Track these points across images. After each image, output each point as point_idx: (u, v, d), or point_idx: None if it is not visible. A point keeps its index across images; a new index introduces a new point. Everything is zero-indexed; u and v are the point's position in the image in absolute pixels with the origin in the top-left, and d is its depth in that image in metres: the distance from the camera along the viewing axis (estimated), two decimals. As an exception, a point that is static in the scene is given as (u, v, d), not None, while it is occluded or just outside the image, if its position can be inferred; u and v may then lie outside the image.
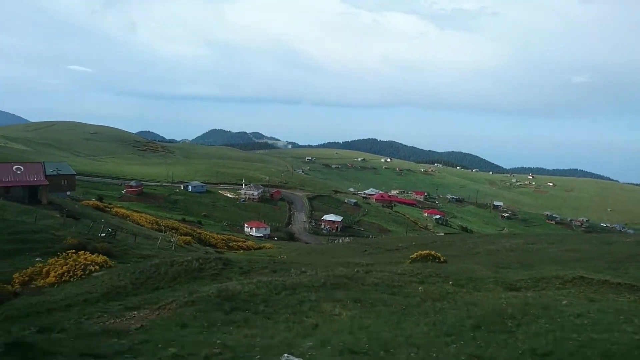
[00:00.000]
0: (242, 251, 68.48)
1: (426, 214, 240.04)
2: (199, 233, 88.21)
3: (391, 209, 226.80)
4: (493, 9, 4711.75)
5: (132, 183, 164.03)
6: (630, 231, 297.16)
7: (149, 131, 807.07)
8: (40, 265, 25.77)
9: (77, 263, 24.98)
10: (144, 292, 17.71)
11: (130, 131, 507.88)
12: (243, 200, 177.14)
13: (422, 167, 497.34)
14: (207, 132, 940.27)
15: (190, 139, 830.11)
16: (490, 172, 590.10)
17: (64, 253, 27.21)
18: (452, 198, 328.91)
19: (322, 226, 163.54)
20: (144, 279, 19.39)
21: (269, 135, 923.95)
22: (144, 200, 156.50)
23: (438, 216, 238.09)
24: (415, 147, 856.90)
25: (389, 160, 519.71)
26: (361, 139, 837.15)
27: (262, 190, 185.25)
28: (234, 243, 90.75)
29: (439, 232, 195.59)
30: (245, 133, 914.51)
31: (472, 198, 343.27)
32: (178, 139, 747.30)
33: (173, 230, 78.64)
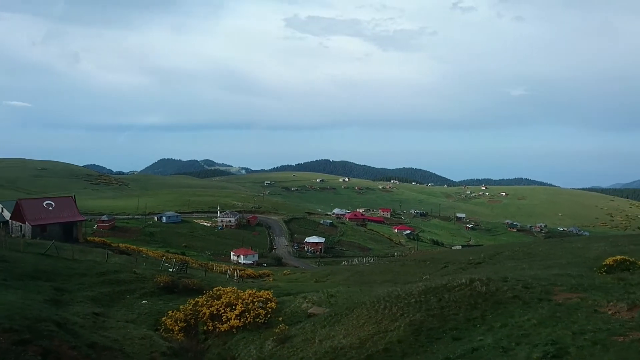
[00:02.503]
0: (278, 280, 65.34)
1: (396, 230, 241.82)
2: (206, 264, 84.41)
3: (365, 227, 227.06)
4: (432, 29, 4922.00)
5: (104, 217, 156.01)
6: (586, 233, 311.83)
7: (94, 164, 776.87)
8: (189, 307, 22.68)
9: (243, 301, 22.04)
10: (465, 325, 15.21)
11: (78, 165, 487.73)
12: (221, 228, 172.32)
13: (380, 185, 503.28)
14: (156, 162, 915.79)
15: (138, 170, 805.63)
16: (445, 186, 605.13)
17: (208, 291, 24.23)
18: (417, 213, 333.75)
19: (306, 249, 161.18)
20: (437, 310, 16.94)
21: (220, 162, 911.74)
22: (118, 234, 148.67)
23: (408, 231, 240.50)
24: (367, 166, 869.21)
25: (347, 179, 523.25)
26: (314, 160, 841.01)
27: (238, 216, 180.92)
28: (242, 272, 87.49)
29: (414, 247, 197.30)
30: (196, 161, 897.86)
31: (434, 212, 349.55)
32: (126, 171, 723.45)
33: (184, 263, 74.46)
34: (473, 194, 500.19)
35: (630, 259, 23.13)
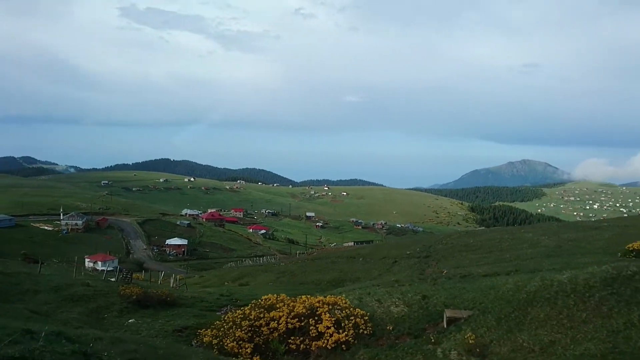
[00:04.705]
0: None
1: (251, 230, 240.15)
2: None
3: (223, 227, 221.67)
4: (275, 33, 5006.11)
5: None
6: (420, 229, 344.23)
7: None
8: (244, 323, 17.90)
9: (321, 310, 17.83)
10: None
11: None
12: (66, 232, 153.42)
13: (227, 185, 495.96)
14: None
15: None
16: (290, 186, 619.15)
17: (255, 301, 19.32)
18: (269, 212, 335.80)
19: (168, 251, 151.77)
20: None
21: (43, 160, 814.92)
22: None
23: (263, 231, 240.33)
24: (210, 166, 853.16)
25: (192, 179, 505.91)
26: (154, 159, 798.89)
27: (86, 218, 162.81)
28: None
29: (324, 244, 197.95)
30: (13, 158, 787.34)
31: (284, 211, 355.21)
32: None
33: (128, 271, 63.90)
34: (317, 194, 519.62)
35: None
